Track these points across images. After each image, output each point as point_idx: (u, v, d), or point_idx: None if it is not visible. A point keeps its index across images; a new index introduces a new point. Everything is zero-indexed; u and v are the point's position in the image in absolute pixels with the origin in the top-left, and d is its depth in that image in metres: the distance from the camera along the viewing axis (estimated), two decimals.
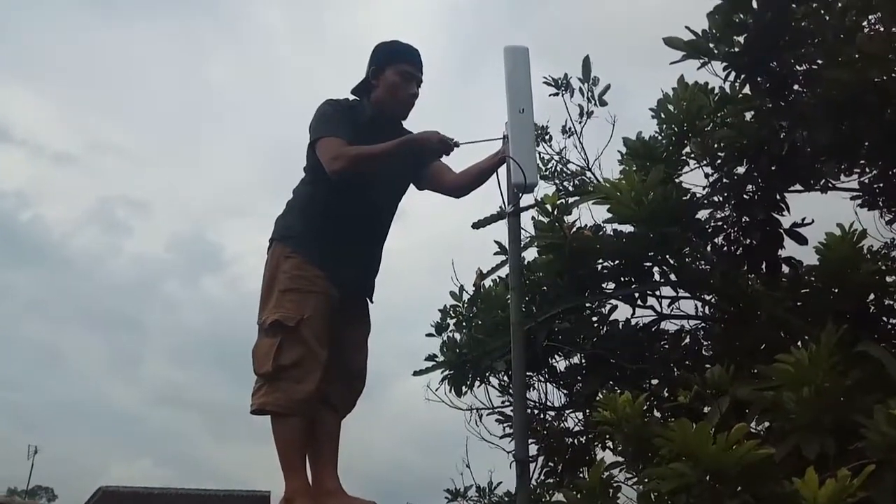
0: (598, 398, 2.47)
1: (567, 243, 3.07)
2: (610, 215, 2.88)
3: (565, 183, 3.87)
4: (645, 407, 2.24)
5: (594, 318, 3.34)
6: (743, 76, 2.80)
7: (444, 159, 2.22)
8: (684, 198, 2.93)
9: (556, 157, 3.85)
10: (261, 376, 2.03)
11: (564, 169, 3.87)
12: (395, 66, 2.24)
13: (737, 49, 2.67)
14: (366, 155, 2.06)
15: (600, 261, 3.30)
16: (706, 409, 2.54)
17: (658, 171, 2.77)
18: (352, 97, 2.29)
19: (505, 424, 3.71)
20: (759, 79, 2.79)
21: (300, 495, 1.95)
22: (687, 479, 1.95)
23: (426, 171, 2.28)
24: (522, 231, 3.43)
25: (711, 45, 2.72)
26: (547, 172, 3.87)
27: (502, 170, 2.18)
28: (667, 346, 3.55)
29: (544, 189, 4.00)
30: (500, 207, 3.66)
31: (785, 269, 3.21)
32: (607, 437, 3.37)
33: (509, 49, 2.11)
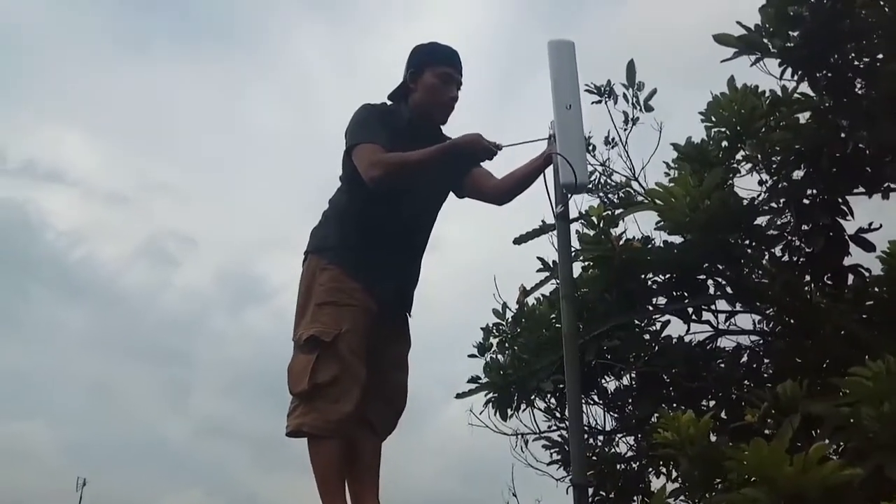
0: (652, 420, 2.30)
1: (615, 255, 2.92)
2: (661, 224, 2.72)
3: (610, 195, 3.72)
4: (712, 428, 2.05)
5: (645, 336, 3.15)
6: (800, 72, 2.63)
7: (487, 164, 2.11)
8: (742, 204, 2.75)
9: (600, 169, 3.70)
10: (296, 395, 1.92)
11: (609, 181, 3.72)
12: (434, 69, 2.13)
13: (792, 44, 2.50)
14: (406, 162, 1.96)
15: (651, 274, 3.14)
16: (770, 431, 2.35)
17: (715, 174, 2.61)
18: (389, 102, 2.20)
19: (552, 450, 3.53)
20: (817, 75, 2.62)
21: None
22: None
23: (467, 177, 2.17)
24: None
25: (765, 41, 2.57)
26: (591, 185, 3.72)
27: (549, 171, 2.05)
28: (724, 365, 3.35)
29: (588, 201, 3.86)
30: (542, 222, 3.56)
31: (851, 278, 3.00)
32: (662, 462, 3.17)
33: (554, 43, 2.00)
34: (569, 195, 1.91)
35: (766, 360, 3.35)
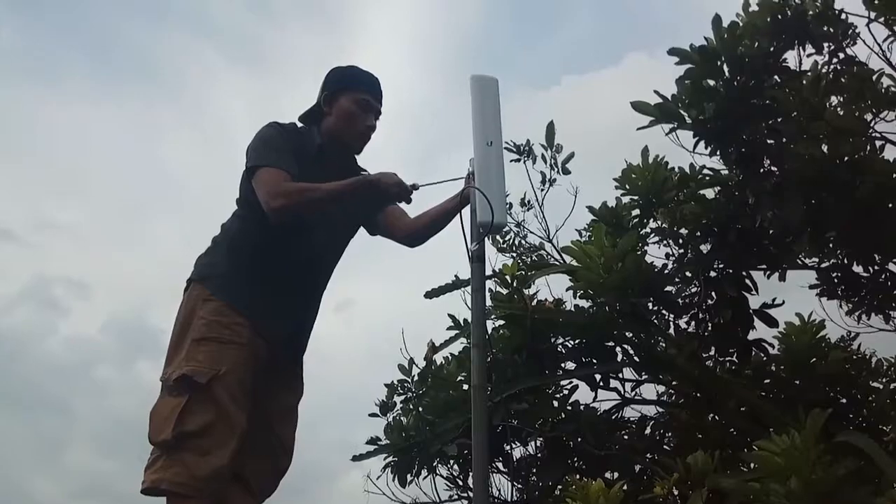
0: (557, 489, 2.17)
1: (527, 316, 2.84)
2: (574, 284, 2.67)
3: (524, 257, 3.68)
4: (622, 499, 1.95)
5: (554, 401, 3.06)
6: (712, 146, 2.70)
7: (403, 204, 1.98)
8: (653, 270, 2.75)
9: (515, 230, 3.67)
10: (158, 445, 1.65)
11: (524, 241, 3.68)
12: (352, 94, 2.00)
13: (705, 117, 2.57)
14: (313, 196, 1.79)
15: (561, 338, 3.08)
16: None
17: (630, 237, 2.60)
18: (299, 124, 2.04)
19: None
20: (729, 150, 2.69)
21: None
22: None
23: (380, 214, 2.04)
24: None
25: (681, 111, 2.62)
26: (505, 245, 3.68)
27: (466, 210, 1.94)
28: (628, 436, 3.30)
29: (503, 260, 3.81)
30: (456, 277, 3.47)
31: (754, 352, 3.04)
32: None
33: (476, 78, 1.93)
34: (486, 234, 1.81)
35: (668, 433, 3.33)
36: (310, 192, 1.80)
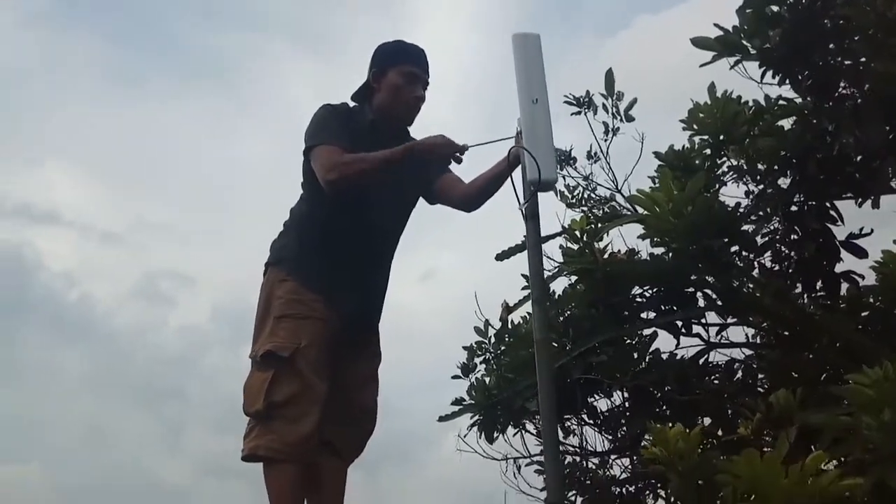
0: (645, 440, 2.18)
1: (599, 269, 2.82)
2: (644, 233, 2.63)
3: (594, 210, 3.64)
4: (701, 441, 1.94)
5: (634, 352, 3.04)
6: (781, 74, 2.57)
7: (456, 168, 2.01)
8: (727, 210, 2.67)
9: (584, 183, 3.62)
10: (252, 416, 1.79)
11: (593, 194, 3.63)
12: (399, 68, 2.04)
13: (771, 45, 2.44)
14: (365, 164, 1.85)
15: (638, 288, 3.04)
16: (766, 443, 2.23)
17: (698, 179, 2.53)
18: (352, 103, 2.10)
19: (545, 476, 3.40)
20: (799, 77, 2.56)
21: None
22: None
23: (437, 182, 2.07)
24: (550, 261, 3.21)
25: (744, 42, 2.51)
26: (574, 200, 3.64)
27: (518, 170, 1.95)
28: (717, 380, 3.24)
29: (572, 216, 3.78)
30: (524, 237, 3.48)
31: (844, 285, 2.91)
32: (658, 484, 3.04)
33: (519, 36, 1.92)
34: (536, 192, 1.80)
35: (760, 374, 3.25)
36: (363, 160, 1.86)
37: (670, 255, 2.79)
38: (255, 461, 1.76)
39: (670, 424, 2.04)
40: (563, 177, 3.56)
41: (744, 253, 2.80)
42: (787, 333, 3.04)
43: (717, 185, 2.82)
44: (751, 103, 2.94)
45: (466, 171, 2.01)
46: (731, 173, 2.84)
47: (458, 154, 1.91)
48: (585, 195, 3.68)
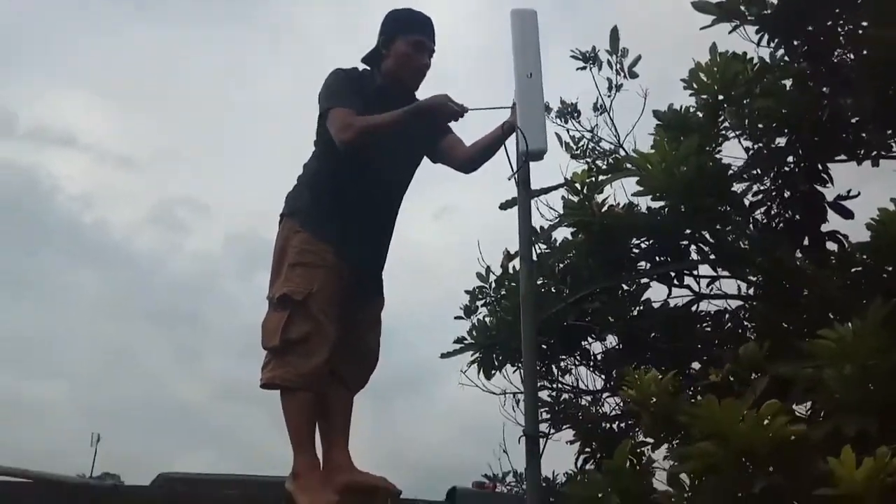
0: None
1: (596, 221, 2.98)
2: (639, 190, 2.77)
3: (598, 161, 3.76)
4: (674, 386, 2.13)
5: (627, 300, 3.22)
6: (777, 39, 2.65)
7: (456, 129, 2.15)
8: (719, 170, 2.80)
9: (588, 135, 3.74)
10: (269, 350, 2.01)
11: (597, 147, 3.76)
12: (407, 36, 2.18)
13: (769, 11, 2.52)
14: (375, 124, 2.01)
15: (634, 240, 3.20)
16: (740, 390, 2.42)
17: (691, 141, 2.66)
18: (362, 66, 2.24)
19: (542, 409, 3.64)
20: (795, 42, 2.63)
21: (308, 470, 1.93)
22: (715, 459, 1.85)
23: (440, 142, 2.22)
24: (553, 210, 3.36)
25: (742, 8, 2.58)
26: (578, 151, 3.77)
27: (511, 139, 2.09)
28: (707, 328, 3.42)
29: (575, 167, 3.91)
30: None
31: (830, 246, 3.05)
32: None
33: (516, 12, 2.03)
34: (526, 161, 1.94)
35: (747, 324, 3.42)
36: (373, 121, 2.02)
37: (665, 210, 2.93)
38: (272, 388, 1.98)
39: (646, 369, 2.23)
40: (567, 130, 3.69)
41: (733, 212, 2.93)
42: (774, 287, 3.19)
43: (714, 145, 2.93)
44: (755, 60, 3.01)
45: (466, 131, 2.16)
46: (728, 133, 2.94)
47: (459, 113, 2.05)
48: (590, 147, 3.81)
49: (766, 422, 1.82)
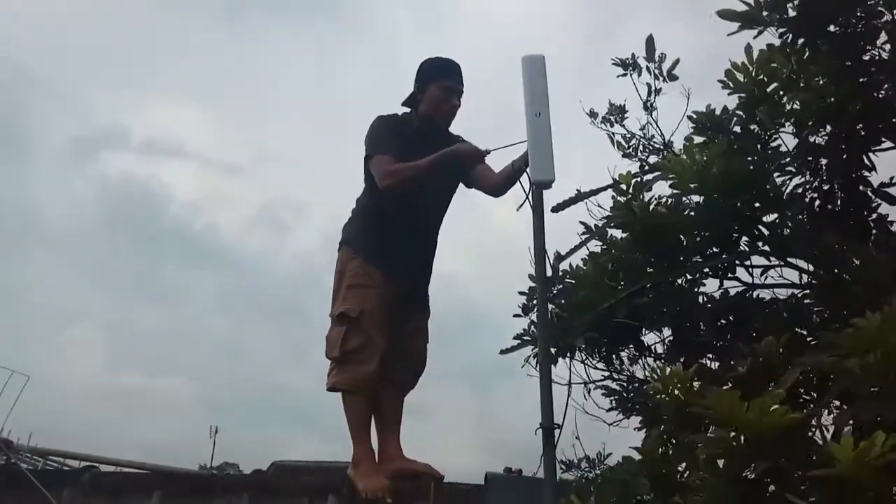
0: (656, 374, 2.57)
1: (637, 221, 3.15)
2: (673, 193, 2.93)
3: (651, 158, 3.90)
4: (692, 379, 2.31)
5: (676, 295, 3.36)
6: (802, 40, 2.73)
7: (489, 161, 2.41)
8: (762, 166, 2.90)
9: (640, 134, 3.89)
10: (331, 359, 2.35)
11: (648, 145, 3.89)
12: (438, 82, 2.49)
13: (789, 15, 2.61)
14: (411, 173, 2.32)
15: (682, 236, 3.33)
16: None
17: (721, 143, 2.79)
18: (403, 109, 2.54)
19: (612, 398, 3.84)
20: (819, 42, 2.71)
21: (365, 459, 2.25)
22: (726, 444, 2.03)
23: (473, 173, 2.49)
24: (603, 210, 3.54)
25: (765, 13, 2.68)
26: (630, 150, 3.93)
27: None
28: (765, 315, 3.50)
29: (627, 166, 4.07)
30: (577, 191, 3.82)
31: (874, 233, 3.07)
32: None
33: (526, 58, 2.26)
34: (533, 189, 2.16)
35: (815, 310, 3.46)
36: (408, 169, 2.33)
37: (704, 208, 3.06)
38: (335, 391, 2.32)
39: (676, 363, 2.41)
40: (615, 133, 3.86)
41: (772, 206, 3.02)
42: (825, 275, 3.25)
43: (758, 142, 3.03)
44: (793, 61, 3.08)
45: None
46: (772, 129, 3.03)
47: (481, 156, 2.33)
48: (640, 146, 3.95)
49: (773, 409, 1.98)
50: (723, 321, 3.57)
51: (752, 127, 3.12)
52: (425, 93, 2.50)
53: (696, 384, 2.35)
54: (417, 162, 2.33)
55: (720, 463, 2.11)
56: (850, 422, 2.25)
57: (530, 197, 2.21)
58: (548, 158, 2.18)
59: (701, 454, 2.14)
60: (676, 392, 2.26)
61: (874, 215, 3.09)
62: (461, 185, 2.55)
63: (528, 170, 2.20)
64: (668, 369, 2.31)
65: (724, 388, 2.07)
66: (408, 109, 2.54)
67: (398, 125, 2.48)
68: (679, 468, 2.36)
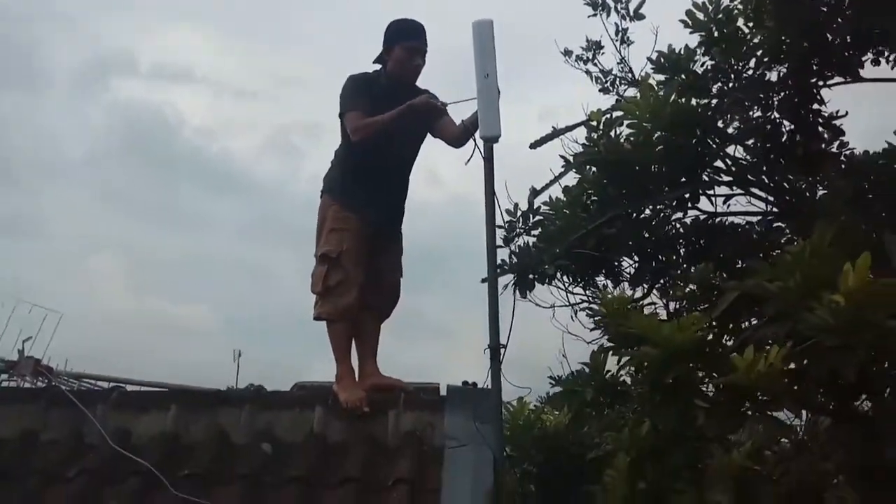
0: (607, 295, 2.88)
1: (603, 157, 3.40)
2: (630, 132, 3.17)
3: (628, 93, 4.08)
4: (630, 303, 2.63)
5: (642, 224, 3.63)
6: None
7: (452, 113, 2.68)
8: (698, 110, 3.11)
9: (617, 70, 4.08)
10: (316, 294, 2.70)
11: (625, 79, 4.08)
12: (402, 43, 2.71)
13: None
14: (376, 125, 2.59)
15: (644, 169, 3.56)
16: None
17: (672, 84, 3.00)
18: (374, 66, 2.80)
19: (595, 317, 4.18)
20: None
21: (346, 375, 2.63)
22: (650, 358, 2.37)
23: (437, 124, 2.76)
24: (578, 145, 3.77)
25: None
26: (608, 84, 4.12)
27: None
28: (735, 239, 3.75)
29: (606, 101, 4.28)
30: (553, 128, 4.05)
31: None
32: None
33: (476, 23, 2.47)
34: (488, 143, 2.42)
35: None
36: (375, 123, 2.60)
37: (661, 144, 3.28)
38: (320, 320, 2.69)
39: (620, 289, 2.71)
40: (595, 64, 4.06)
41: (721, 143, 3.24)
42: (775, 206, 3.50)
43: (703, 83, 3.23)
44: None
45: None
46: (715, 72, 3.22)
47: (438, 109, 2.61)
48: (619, 79, 4.14)
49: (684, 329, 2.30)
50: (689, 248, 3.87)
51: (709, 65, 3.31)
52: (391, 53, 2.72)
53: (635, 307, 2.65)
54: (382, 116, 2.58)
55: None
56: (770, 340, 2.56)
57: (481, 149, 2.47)
58: (495, 116, 2.42)
59: (630, 366, 2.48)
60: (613, 314, 2.58)
61: (823, 146, 3.30)
62: (429, 135, 2.83)
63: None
64: (608, 295, 2.61)
65: (636, 311, 2.38)
66: (378, 67, 2.80)
67: (368, 83, 2.72)
68: (621, 379, 2.71)
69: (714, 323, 2.96)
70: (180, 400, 2.59)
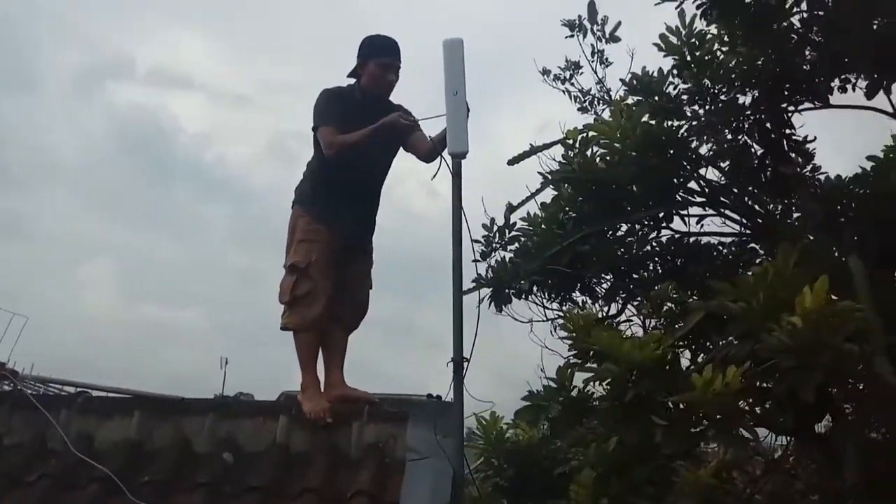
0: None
1: (578, 176, 3.44)
2: (602, 152, 3.22)
3: (606, 113, 4.15)
4: (595, 320, 2.66)
5: (614, 244, 3.67)
6: (716, 12, 2.96)
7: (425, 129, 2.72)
8: (670, 131, 3.16)
9: (595, 89, 4.14)
10: (284, 304, 2.72)
11: (605, 97, 4.14)
12: (376, 60, 2.75)
13: None
14: (349, 143, 2.62)
15: (618, 189, 3.60)
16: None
17: (642, 106, 3.06)
18: (348, 81, 2.84)
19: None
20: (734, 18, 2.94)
21: (310, 386, 2.64)
22: (612, 374, 2.40)
23: (409, 140, 2.79)
24: (555, 163, 3.82)
25: None
26: (586, 103, 4.18)
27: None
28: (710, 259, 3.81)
29: (584, 120, 4.34)
30: (531, 145, 4.10)
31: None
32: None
33: (447, 42, 2.51)
34: (455, 159, 2.46)
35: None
36: (348, 139, 2.63)
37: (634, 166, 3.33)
38: (287, 331, 2.71)
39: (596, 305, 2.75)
40: (573, 84, 4.12)
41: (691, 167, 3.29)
42: (748, 227, 3.55)
43: (679, 104, 3.29)
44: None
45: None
46: (688, 95, 3.28)
47: (409, 126, 2.64)
48: (598, 99, 4.20)
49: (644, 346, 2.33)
50: (664, 266, 3.92)
51: (682, 88, 3.37)
52: (365, 69, 2.75)
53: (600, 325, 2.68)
54: (355, 133, 2.61)
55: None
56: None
57: (449, 165, 2.50)
58: (462, 132, 2.46)
59: (594, 381, 2.51)
60: (578, 331, 2.61)
61: (796, 170, 3.36)
62: (401, 150, 2.86)
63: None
64: (575, 312, 2.64)
65: (600, 328, 2.41)
66: (352, 81, 2.83)
67: (342, 98, 2.75)
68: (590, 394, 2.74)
69: (682, 342, 3.03)
70: (144, 407, 2.61)
